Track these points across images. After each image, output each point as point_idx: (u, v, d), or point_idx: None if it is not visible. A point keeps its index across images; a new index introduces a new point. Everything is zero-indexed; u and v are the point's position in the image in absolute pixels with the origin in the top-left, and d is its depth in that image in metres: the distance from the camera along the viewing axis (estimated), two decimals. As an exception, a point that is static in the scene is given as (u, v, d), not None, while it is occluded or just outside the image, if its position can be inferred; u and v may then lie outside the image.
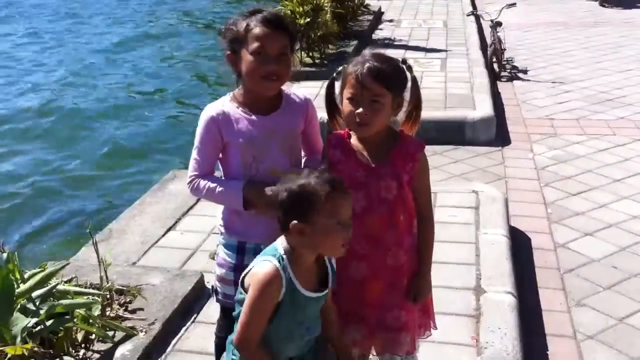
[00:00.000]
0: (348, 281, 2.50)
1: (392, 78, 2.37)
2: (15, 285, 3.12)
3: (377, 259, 2.48)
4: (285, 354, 2.23)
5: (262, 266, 2.10)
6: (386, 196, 2.43)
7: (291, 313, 2.14)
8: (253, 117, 2.51)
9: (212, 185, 2.52)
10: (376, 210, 2.44)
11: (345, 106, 2.40)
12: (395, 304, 2.54)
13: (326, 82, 2.63)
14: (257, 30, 2.40)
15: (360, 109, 2.34)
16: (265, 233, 2.60)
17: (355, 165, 2.45)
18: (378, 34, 11.26)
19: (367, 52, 2.46)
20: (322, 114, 2.63)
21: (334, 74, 2.55)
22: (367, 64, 2.34)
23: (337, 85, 2.55)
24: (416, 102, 2.52)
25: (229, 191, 2.50)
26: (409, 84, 2.48)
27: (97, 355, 3.17)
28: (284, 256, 2.11)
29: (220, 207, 2.67)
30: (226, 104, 2.56)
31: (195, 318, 3.63)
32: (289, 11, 8.86)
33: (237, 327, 2.12)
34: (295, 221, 2.06)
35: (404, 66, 2.46)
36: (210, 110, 2.55)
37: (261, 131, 2.50)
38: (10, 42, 15.22)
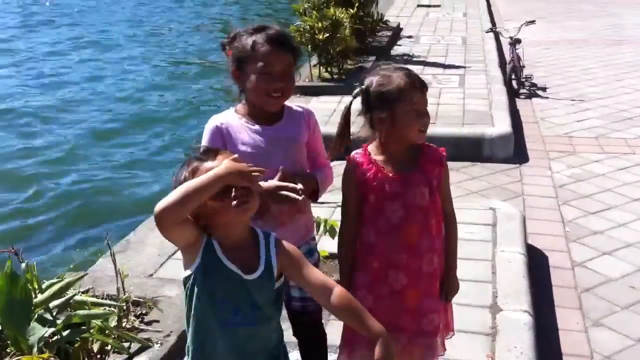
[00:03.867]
0: (387, 292, 2.54)
1: None
2: (33, 295, 3.15)
3: (414, 267, 2.52)
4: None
5: None
6: (421, 203, 2.49)
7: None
8: (256, 127, 2.56)
9: None
10: (413, 218, 2.50)
11: (409, 119, 2.44)
12: (429, 309, 2.59)
13: (344, 97, 2.64)
14: (262, 49, 2.45)
15: (425, 118, 2.47)
16: None
17: (389, 178, 2.49)
18: (397, 50, 11.27)
19: (395, 66, 2.54)
20: (325, 129, 2.65)
21: (353, 95, 2.54)
22: (410, 73, 2.47)
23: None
24: None
25: None
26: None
27: (112, 366, 3.19)
28: None
29: None
30: (230, 115, 2.61)
31: (210, 331, 3.63)
32: (308, 26, 8.89)
33: None
34: None
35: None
36: (215, 120, 2.60)
37: (265, 141, 2.55)
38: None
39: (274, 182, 2.45)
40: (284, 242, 2.11)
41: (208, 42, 15.78)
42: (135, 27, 18.52)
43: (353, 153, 2.59)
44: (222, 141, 2.55)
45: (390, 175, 2.49)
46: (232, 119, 2.59)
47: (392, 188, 2.48)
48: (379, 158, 2.52)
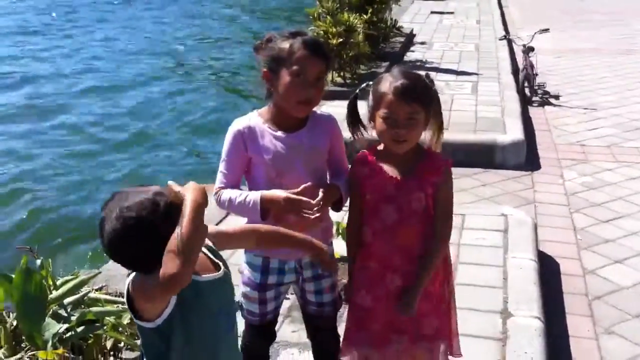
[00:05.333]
0: (384, 293, 2.56)
1: (424, 95, 2.44)
2: (48, 292, 3.19)
3: (410, 270, 2.52)
4: None
5: None
6: (416, 208, 2.49)
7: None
8: (279, 133, 2.56)
9: (233, 196, 2.56)
10: (407, 222, 2.50)
11: (380, 125, 2.45)
12: (428, 312, 2.57)
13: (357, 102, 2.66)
14: (299, 53, 2.46)
15: (399, 129, 2.40)
16: (288, 250, 2.61)
17: (385, 180, 2.51)
18: (410, 56, 11.29)
19: (395, 70, 2.52)
20: (346, 134, 2.67)
21: (357, 91, 2.61)
22: (401, 82, 2.39)
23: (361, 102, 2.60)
24: (439, 117, 2.56)
25: (247, 201, 2.52)
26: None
27: (125, 363, 3.23)
28: None
29: (243, 221, 2.68)
30: (253, 119, 2.61)
31: (221, 331, 3.65)
32: (322, 31, 8.93)
33: None
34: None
35: (427, 81, 2.51)
36: (237, 124, 2.61)
37: (286, 148, 2.55)
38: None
39: (284, 193, 2.48)
40: None
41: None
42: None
43: (361, 151, 2.62)
44: (244, 146, 2.57)
45: (386, 178, 2.51)
46: (255, 122, 2.59)
47: (387, 191, 2.50)
48: (383, 159, 2.54)
